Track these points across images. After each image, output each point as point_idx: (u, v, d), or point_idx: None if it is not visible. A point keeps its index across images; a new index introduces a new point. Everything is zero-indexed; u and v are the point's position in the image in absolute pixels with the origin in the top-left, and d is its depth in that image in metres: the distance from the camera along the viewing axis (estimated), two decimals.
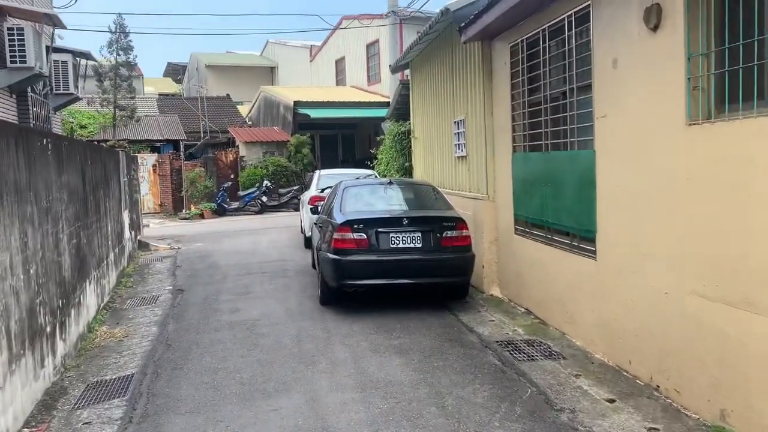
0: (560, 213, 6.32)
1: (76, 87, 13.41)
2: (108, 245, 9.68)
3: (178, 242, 15.56)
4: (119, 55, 19.68)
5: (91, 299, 7.79)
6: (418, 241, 7.23)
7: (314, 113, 23.75)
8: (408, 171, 13.48)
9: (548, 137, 6.58)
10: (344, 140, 30.28)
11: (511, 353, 5.79)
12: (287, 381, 5.25)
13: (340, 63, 31.97)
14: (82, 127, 22.16)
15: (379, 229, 7.20)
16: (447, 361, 5.60)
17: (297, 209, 21.90)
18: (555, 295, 6.57)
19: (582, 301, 5.96)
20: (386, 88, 25.97)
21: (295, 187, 22.59)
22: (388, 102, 24.94)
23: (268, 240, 15.06)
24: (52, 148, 6.15)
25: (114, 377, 5.77)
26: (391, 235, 7.20)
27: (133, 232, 13.52)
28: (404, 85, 13.58)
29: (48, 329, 5.57)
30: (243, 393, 5.04)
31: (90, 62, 14.50)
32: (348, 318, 7.25)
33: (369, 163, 19.06)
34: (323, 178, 13.51)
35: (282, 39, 42.45)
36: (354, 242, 7.15)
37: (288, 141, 24.18)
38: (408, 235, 7.21)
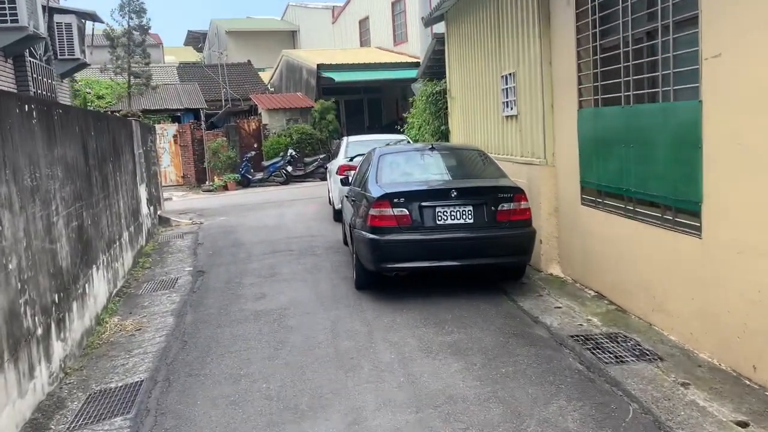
0: (647, 180, 5.19)
1: (83, 51, 12.43)
2: (121, 224, 8.82)
3: (201, 216, 14.73)
4: (131, 18, 18.62)
5: (99, 287, 6.94)
6: (469, 216, 6.17)
7: (339, 77, 22.56)
8: (444, 135, 12.34)
9: (630, 87, 5.41)
10: (370, 105, 29.06)
11: (593, 352, 4.75)
12: (323, 394, 4.30)
13: (363, 23, 30.56)
14: (100, 97, 21.32)
15: (423, 203, 6.15)
16: (517, 365, 4.58)
17: (324, 179, 20.91)
18: (638, 278, 5.49)
19: (678, 287, 4.87)
20: (414, 48, 24.61)
21: (321, 156, 21.57)
22: (417, 62, 23.62)
23: (295, 213, 14.13)
24: (38, 116, 5.20)
25: (120, 385, 4.90)
26: (437, 209, 6.15)
27: (152, 207, 12.69)
28: (438, 40, 12.35)
29: (39, 332, 4.69)
30: (270, 411, 4.10)
31: (97, 24, 13.49)
32: (389, 305, 6.28)
33: (399, 127, 17.93)
34: (352, 146, 12.45)
35: (303, 1, 41.06)
36: (394, 219, 6.13)
37: (312, 107, 23.08)
38: (457, 209, 6.16)
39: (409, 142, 12.62)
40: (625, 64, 5.44)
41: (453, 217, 6.15)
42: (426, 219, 6.16)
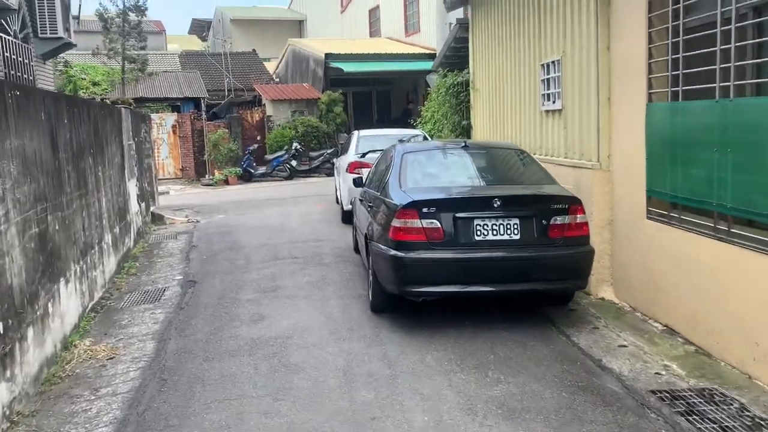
0: (752, 194, 4.08)
1: (66, 29, 11.28)
2: (102, 226, 7.73)
3: (198, 214, 13.65)
4: None
5: (69, 304, 5.85)
6: (515, 231, 5.05)
7: (348, 67, 21.40)
8: (465, 131, 11.21)
9: (730, 77, 4.28)
10: (379, 98, 27.90)
11: (688, 419, 3.64)
12: None
13: (373, 13, 29.38)
14: (95, 84, 20.19)
15: (459, 214, 5.03)
16: None
17: (329, 174, 19.83)
18: (728, 315, 4.38)
19: None
20: (427, 39, 23.46)
21: (327, 150, 20.43)
22: (431, 53, 22.46)
23: (299, 212, 13.03)
24: None
25: None
26: (476, 222, 5.03)
27: (143, 204, 11.60)
28: (462, 26, 11.20)
29: None
30: None
31: (89, 5, 12.28)
32: (413, 337, 5.18)
33: (411, 121, 16.81)
34: (363, 140, 11.33)
35: None
36: (422, 233, 5.01)
37: (319, 99, 21.94)
38: (501, 222, 5.04)
39: (425, 137, 11.50)
40: (724, 46, 4.31)
41: (495, 232, 5.03)
42: (462, 233, 5.04)
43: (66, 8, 11.20)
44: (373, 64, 22.17)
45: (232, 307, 6.43)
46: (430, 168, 5.86)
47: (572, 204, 5.18)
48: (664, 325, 5.22)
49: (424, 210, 5.01)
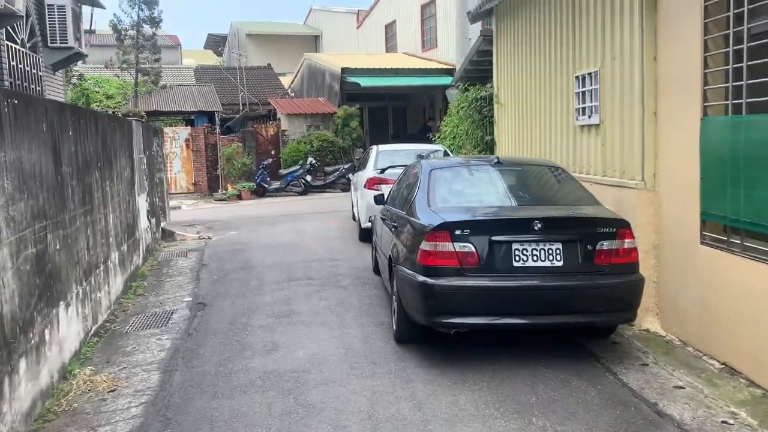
0: None
1: (78, 39, 10.97)
2: (109, 244, 7.33)
3: (210, 230, 13.25)
4: (141, 9, 17.20)
5: (69, 329, 5.43)
6: (558, 257, 4.56)
7: (365, 82, 21.07)
8: (489, 146, 10.76)
9: None
10: (395, 113, 27.57)
11: None
12: None
13: (390, 28, 29.11)
14: (109, 97, 19.99)
15: (495, 238, 4.56)
16: None
17: (345, 190, 19.42)
18: None
19: None
20: (445, 54, 23.11)
21: (343, 166, 20.02)
22: (449, 68, 22.11)
23: (314, 229, 12.59)
24: None
25: None
26: (514, 246, 4.55)
27: (153, 220, 11.22)
28: (485, 38, 10.79)
29: None
30: None
31: (102, 15, 11.99)
32: (444, 373, 4.68)
33: (430, 136, 16.41)
34: (382, 156, 10.90)
35: (327, 5, 39.84)
36: (455, 257, 4.54)
37: (334, 113, 21.60)
38: (542, 246, 4.56)
39: (446, 153, 11.06)
40: None
41: (536, 258, 4.54)
42: (498, 259, 4.56)
43: (77, 17, 10.90)
44: (389, 78, 21.84)
45: (243, 334, 5.97)
46: (461, 186, 5.39)
47: (620, 227, 4.68)
48: (722, 363, 4.69)
49: (457, 232, 4.53)
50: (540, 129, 8.23)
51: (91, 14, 12.48)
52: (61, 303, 5.27)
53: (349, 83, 21.67)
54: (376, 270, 8.02)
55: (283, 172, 20.03)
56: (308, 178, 19.70)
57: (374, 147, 11.50)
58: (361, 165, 11.98)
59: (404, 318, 5.10)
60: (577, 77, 6.93)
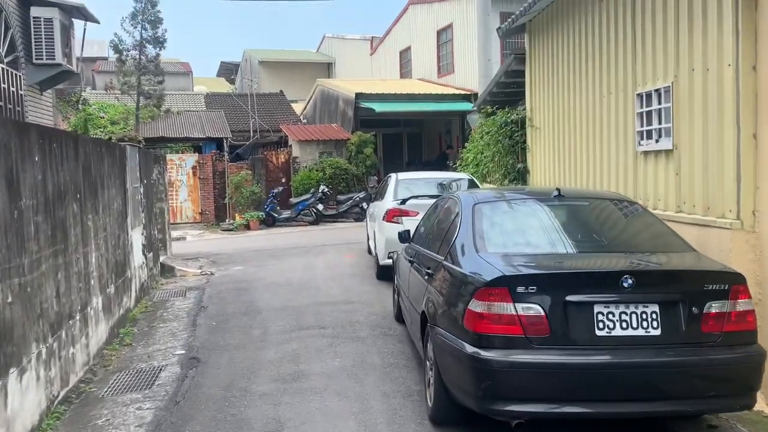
0: None
1: (67, 56, 10.04)
2: (89, 287, 6.28)
3: (213, 264, 12.22)
4: (145, 29, 16.41)
5: (24, 401, 4.36)
6: (654, 324, 3.44)
7: (379, 107, 20.18)
8: (521, 175, 9.69)
9: None
10: (410, 140, 26.68)
11: None
12: None
13: (405, 54, 28.37)
14: (114, 123, 19.18)
15: (572, 297, 3.45)
16: None
17: (358, 219, 18.40)
18: None
19: None
20: (462, 79, 22.25)
21: (357, 194, 19.00)
22: (467, 94, 21.20)
23: (326, 264, 11.50)
24: None
25: None
26: (597, 310, 3.44)
27: (150, 255, 10.19)
28: (517, 58, 9.79)
29: None
30: None
31: (91, 24, 11.11)
32: None
33: (451, 164, 15.40)
34: (403, 185, 9.85)
35: (340, 33, 39.38)
36: (517, 323, 3.43)
37: (348, 139, 20.69)
38: (633, 309, 3.45)
39: (473, 181, 9.99)
40: None
41: (625, 324, 3.42)
42: (576, 326, 3.45)
43: (67, 32, 9.98)
44: (405, 104, 20.96)
45: (241, 405, 4.86)
46: (515, 225, 4.30)
47: (734, 283, 3.55)
48: None
49: (520, 289, 3.43)
50: (585, 156, 7.17)
51: (84, 29, 11.62)
52: (12, 370, 4.20)
53: (363, 109, 20.81)
54: (399, 317, 6.92)
55: (293, 200, 19.05)
56: (320, 207, 18.68)
57: (393, 175, 10.46)
58: (379, 195, 10.93)
59: (444, 394, 3.97)
60: (639, 95, 5.87)
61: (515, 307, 3.44)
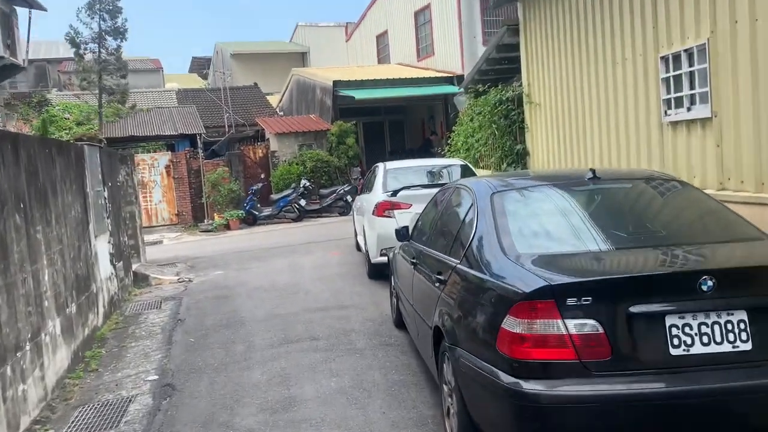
0: None
1: (9, 47, 9.06)
2: (42, 311, 5.43)
3: (191, 269, 11.37)
4: (103, 20, 15.29)
5: None
6: (743, 335, 2.71)
7: (359, 94, 19.31)
8: (519, 157, 8.94)
9: None
10: (392, 128, 25.84)
11: None
12: None
13: (381, 39, 27.47)
14: (80, 124, 18.08)
15: (636, 308, 2.69)
16: None
17: (343, 213, 17.59)
18: None
19: None
20: (443, 61, 21.45)
21: (341, 187, 18.17)
22: (449, 76, 20.41)
23: (313, 264, 10.69)
24: None
25: None
26: (669, 322, 2.69)
27: (120, 263, 9.32)
28: (510, 29, 9.01)
29: None
30: None
31: (37, 12, 10.07)
32: None
33: (439, 150, 14.64)
34: (391, 175, 9.05)
35: (313, 21, 38.38)
36: (569, 345, 2.68)
37: (328, 130, 19.81)
38: (714, 319, 2.71)
39: (468, 168, 9.20)
40: None
41: (706, 339, 2.68)
42: (644, 345, 2.69)
43: (6, 18, 8.96)
44: (386, 90, 20.11)
45: None
46: (547, 218, 3.51)
47: None
48: None
49: (571, 302, 2.67)
50: (598, 132, 6.43)
51: (29, 18, 10.58)
52: None
53: (342, 97, 19.92)
54: (399, 323, 6.16)
55: (274, 197, 18.16)
56: (302, 202, 17.82)
57: (380, 165, 9.66)
58: (366, 187, 10.13)
59: (471, 429, 3.20)
60: (663, 58, 5.14)
61: (565, 325, 2.68)
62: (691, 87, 4.84)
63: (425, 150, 21.27)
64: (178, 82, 41.01)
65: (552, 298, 2.69)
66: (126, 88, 16.88)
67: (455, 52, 20.27)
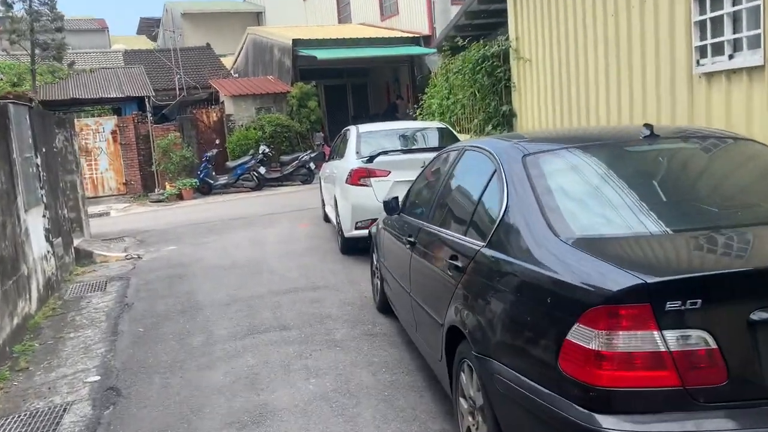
0: None
1: None
2: None
3: (141, 244, 10.34)
4: None
5: None
6: None
7: (321, 54, 18.16)
8: (506, 119, 8.15)
9: None
10: (355, 91, 24.75)
11: None
12: None
13: None
14: (15, 85, 16.48)
15: (756, 315, 1.94)
16: None
17: (305, 182, 16.62)
18: None
19: None
20: (408, 21, 20.42)
21: (303, 154, 17.12)
22: (416, 37, 19.42)
23: (278, 237, 9.78)
24: None
25: None
26: None
27: (59, 239, 8.23)
28: None
29: None
30: None
31: None
32: None
33: (410, 113, 13.77)
34: (365, 139, 8.16)
35: None
36: (670, 366, 1.91)
37: (288, 93, 18.65)
38: None
39: (449, 131, 8.37)
40: None
41: None
42: None
43: None
44: (349, 50, 18.99)
45: None
46: (603, 188, 2.70)
47: None
48: None
49: (672, 305, 1.90)
50: (603, 89, 5.67)
51: None
52: None
53: (302, 57, 18.75)
54: (384, 308, 5.37)
55: (231, 164, 17.00)
56: (261, 170, 16.73)
57: (352, 128, 8.75)
58: (337, 152, 9.21)
59: None
60: None
61: (663, 338, 1.91)
62: (734, 31, 4.10)
63: (391, 115, 20.36)
64: (125, 43, 38.73)
65: (648, 302, 1.91)
66: (62, 42, 15.30)
67: (421, 10, 19.26)
